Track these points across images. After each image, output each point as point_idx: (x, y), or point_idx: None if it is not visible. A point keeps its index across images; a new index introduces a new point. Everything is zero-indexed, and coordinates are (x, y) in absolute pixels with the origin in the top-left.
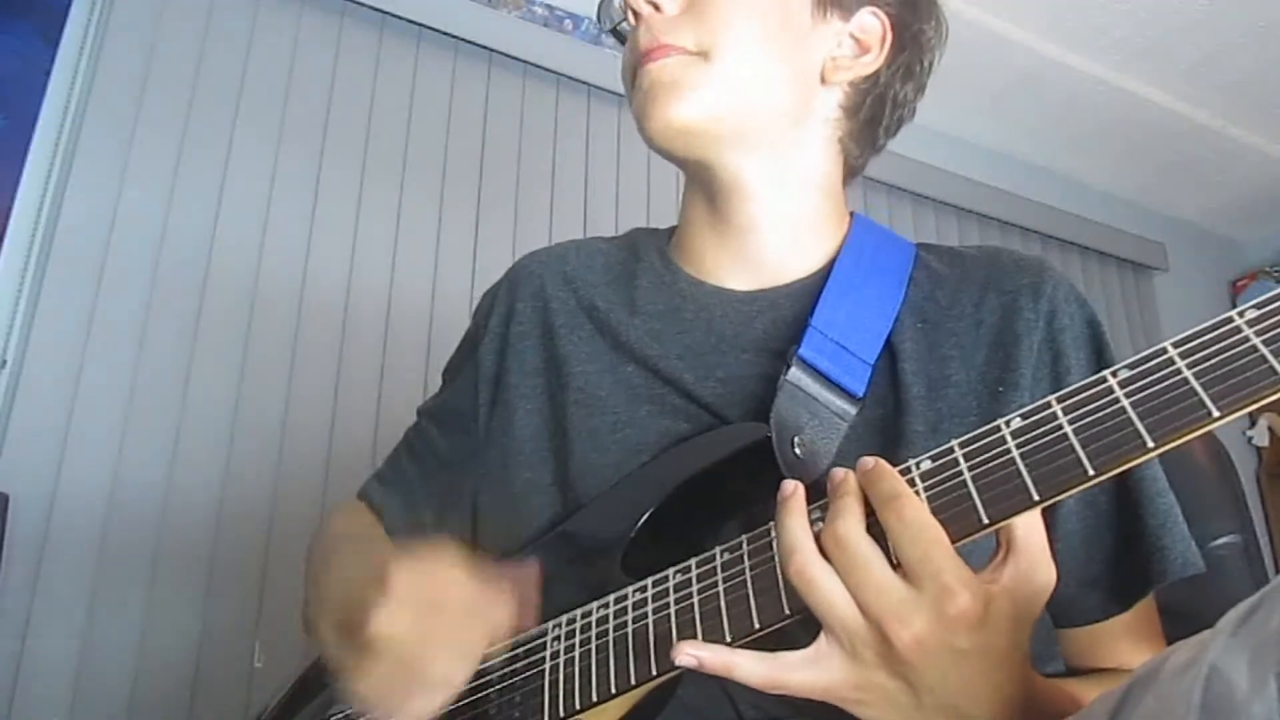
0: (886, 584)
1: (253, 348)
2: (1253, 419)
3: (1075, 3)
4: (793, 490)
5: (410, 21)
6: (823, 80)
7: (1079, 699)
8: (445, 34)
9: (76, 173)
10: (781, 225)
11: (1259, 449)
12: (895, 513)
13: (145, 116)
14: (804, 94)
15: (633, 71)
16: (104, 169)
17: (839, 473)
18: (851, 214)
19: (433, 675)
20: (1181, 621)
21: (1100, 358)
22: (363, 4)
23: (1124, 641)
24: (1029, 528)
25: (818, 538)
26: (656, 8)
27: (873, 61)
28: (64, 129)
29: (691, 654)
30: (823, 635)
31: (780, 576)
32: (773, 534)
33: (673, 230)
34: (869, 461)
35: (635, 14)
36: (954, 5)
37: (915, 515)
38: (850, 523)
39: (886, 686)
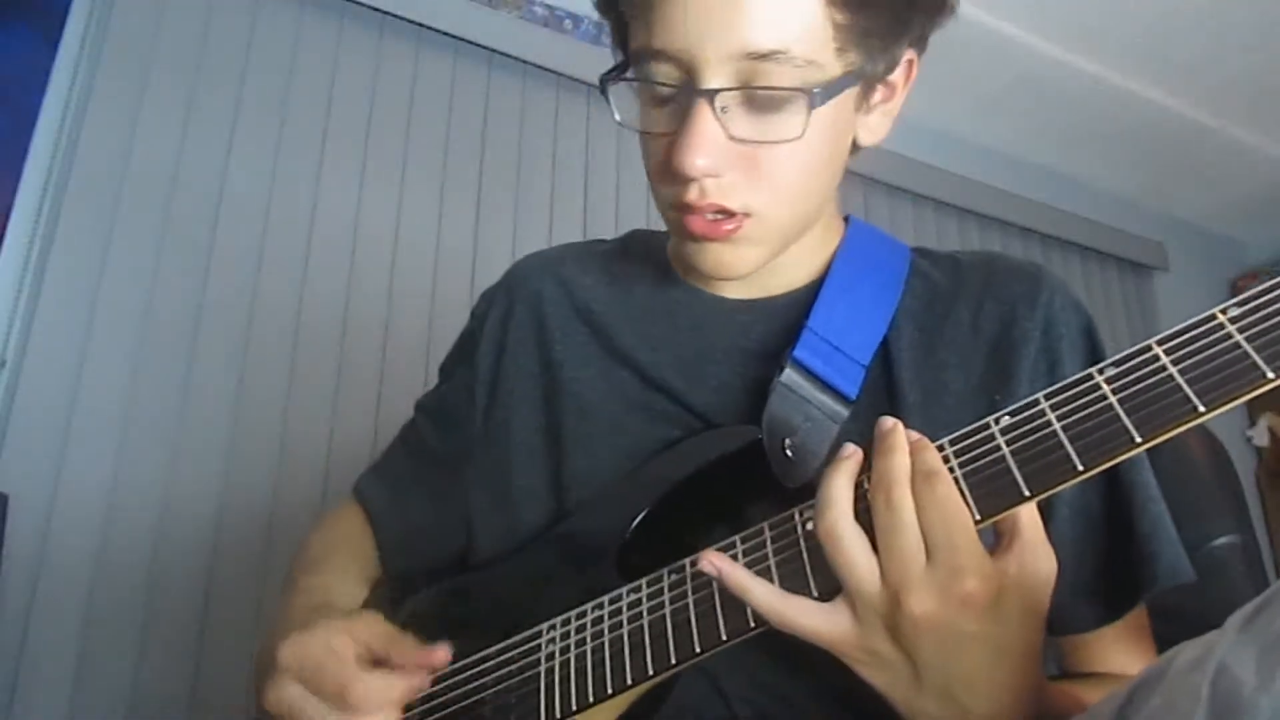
0: (913, 553)
1: (253, 347)
2: (1253, 419)
3: (1075, 3)
4: (851, 451)
5: (410, 21)
6: (854, 147)
7: (1082, 702)
8: (445, 34)
9: (77, 172)
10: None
11: (1259, 449)
12: (930, 488)
13: (144, 117)
14: (839, 174)
15: (679, 210)
16: (103, 169)
17: (888, 422)
18: (847, 217)
19: None
20: (1181, 622)
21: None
22: (363, 4)
23: (1116, 648)
24: (1032, 519)
25: (862, 496)
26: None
27: (900, 96)
28: (64, 129)
29: (714, 563)
30: (840, 596)
31: (775, 577)
32: (766, 533)
33: (669, 233)
34: (912, 435)
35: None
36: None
37: (948, 494)
38: (905, 488)
39: (890, 655)
